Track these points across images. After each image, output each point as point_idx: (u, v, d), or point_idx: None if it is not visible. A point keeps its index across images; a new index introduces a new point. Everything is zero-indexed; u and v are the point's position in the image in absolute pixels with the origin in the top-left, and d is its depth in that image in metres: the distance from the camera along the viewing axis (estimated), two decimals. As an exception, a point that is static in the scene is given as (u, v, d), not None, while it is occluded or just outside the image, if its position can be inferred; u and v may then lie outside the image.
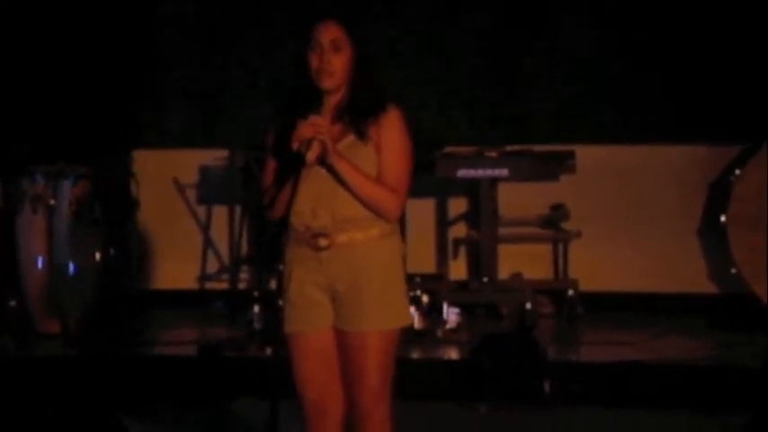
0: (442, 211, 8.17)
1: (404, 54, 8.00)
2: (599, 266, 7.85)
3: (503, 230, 7.80)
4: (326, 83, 4.01)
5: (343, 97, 4.05)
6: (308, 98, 4.01)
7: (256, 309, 7.07)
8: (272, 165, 4.09)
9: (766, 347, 6.65)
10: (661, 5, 7.82)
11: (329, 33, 4.01)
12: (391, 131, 4.02)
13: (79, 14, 7.86)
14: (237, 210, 8.24)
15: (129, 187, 7.57)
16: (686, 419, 5.92)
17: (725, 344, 6.94)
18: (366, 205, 3.99)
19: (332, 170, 3.98)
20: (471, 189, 7.89)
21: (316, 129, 3.92)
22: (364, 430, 4.05)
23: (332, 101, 4.05)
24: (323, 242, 4.01)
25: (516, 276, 7.90)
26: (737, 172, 7.53)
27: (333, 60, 4.00)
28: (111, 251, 7.14)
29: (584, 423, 5.96)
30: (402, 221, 4.20)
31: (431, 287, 7.26)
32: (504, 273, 7.83)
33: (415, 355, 6.63)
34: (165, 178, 8.24)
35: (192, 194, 8.32)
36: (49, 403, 5.61)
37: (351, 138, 4.02)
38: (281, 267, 4.15)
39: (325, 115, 4.01)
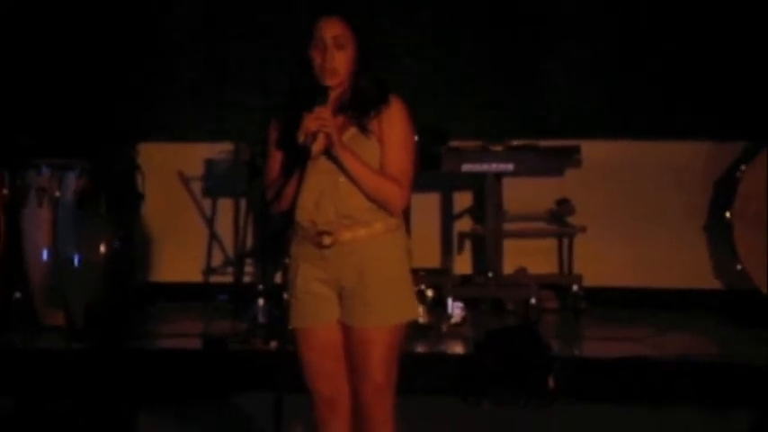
0: (446, 205, 8.17)
1: (406, 47, 7.99)
2: (604, 262, 7.85)
3: (508, 225, 7.80)
4: (330, 81, 3.99)
5: (346, 90, 4.04)
6: (312, 93, 4.00)
7: (261, 302, 7.08)
8: (274, 159, 4.08)
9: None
10: (666, 2, 7.82)
11: (332, 30, 3.99)
12: (394, 124, 4.01)
13: (85, 7, 7.86)
14: (242, 203, 8.25)
15: (135, 180, 7.58)
16: (691, 415, 5.92)
17: (730, 340, 6.94)
18: (371, 198, 3.99)
19: (337, 162, 3.97)
20: (476, 183, 7.90)
21: (321, 121, 3.92)
22: (368, 424, 4.05)
23: (334, 94, 4.04)
24: (327, 240, 4.00)
25: (521, 271, 7.90)
26: (743, 168, 7.53)
27: (336, 57, 3.98)
28: (116, 244, 7.13)
29: (588, 419, 5.96)
30: (407, 216, 4.19)
31: (435, 281, 7.27)
32: (508, 267, 7.83)
33: (419, 349, 6.63)
34: (171, 171, 8.25)
35: (197, 188, 8.33)
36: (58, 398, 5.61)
37: (352, 131, 4.01)
38: (287, 261, 4.15)
39: (327, 108, 4.00)
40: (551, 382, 6.11)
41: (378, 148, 4.00)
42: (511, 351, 6.21)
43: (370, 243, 4.01)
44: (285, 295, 4.18)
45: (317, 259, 4.03)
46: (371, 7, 7.55)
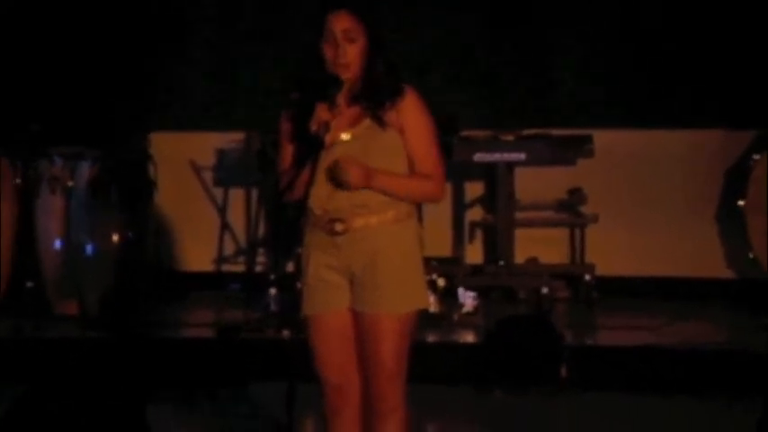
0: (458, 194, 8.16)
1: (417, 37, 7.99)
2: (616, 251, 7.85)
3: (519, 214, 7.80)
4: (343, 74, 3.99)
5: (358, 80, 4.04)
6: (324, 83, 4.00)
7: (273, 291, 7.09)
8: (287, 149, 4.09)
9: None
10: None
11: (342, 23, 3.98)
12: (414, 116, 4.02)
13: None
14: (254, 192, 8.25)
15: (147, 169, 7.58)
16: (702, 404, 5.91)
17: (742, 328, 6.94)
18: (413, 202, 4.02)
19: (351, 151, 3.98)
20: (488, 173, 7.89)
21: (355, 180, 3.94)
22: (379, 412, 4.05)
23: (347, 84, 4.04)
24: (339, 227, 4.01)
25: (532, 260, 7.89)
26: (756, 157, 7.51)
27: (348, 51, 3.98)
28: (129, 233, 7.15)
29: (600, 407, 5.96)
30: (419, 205, 4.20)
31: (447, 271, 7.26)
32: (520, 257, 7.83)
33: (431, 338, 6.64)
34: (182, 161, 8.26)
35: (208, 177, 8.34)
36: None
37: (367, 121, 4.02)
38: (299, 250, 4.16)
39: (340, 98, 4.00)
40: (563, 372, 6.11)
41: (396, 138, 4.00)
42: (522, 340, 6.22)
43: (381, 230, 4.02)
44: (298, 284, 4.19)
45: (329, 247, 4.03)
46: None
